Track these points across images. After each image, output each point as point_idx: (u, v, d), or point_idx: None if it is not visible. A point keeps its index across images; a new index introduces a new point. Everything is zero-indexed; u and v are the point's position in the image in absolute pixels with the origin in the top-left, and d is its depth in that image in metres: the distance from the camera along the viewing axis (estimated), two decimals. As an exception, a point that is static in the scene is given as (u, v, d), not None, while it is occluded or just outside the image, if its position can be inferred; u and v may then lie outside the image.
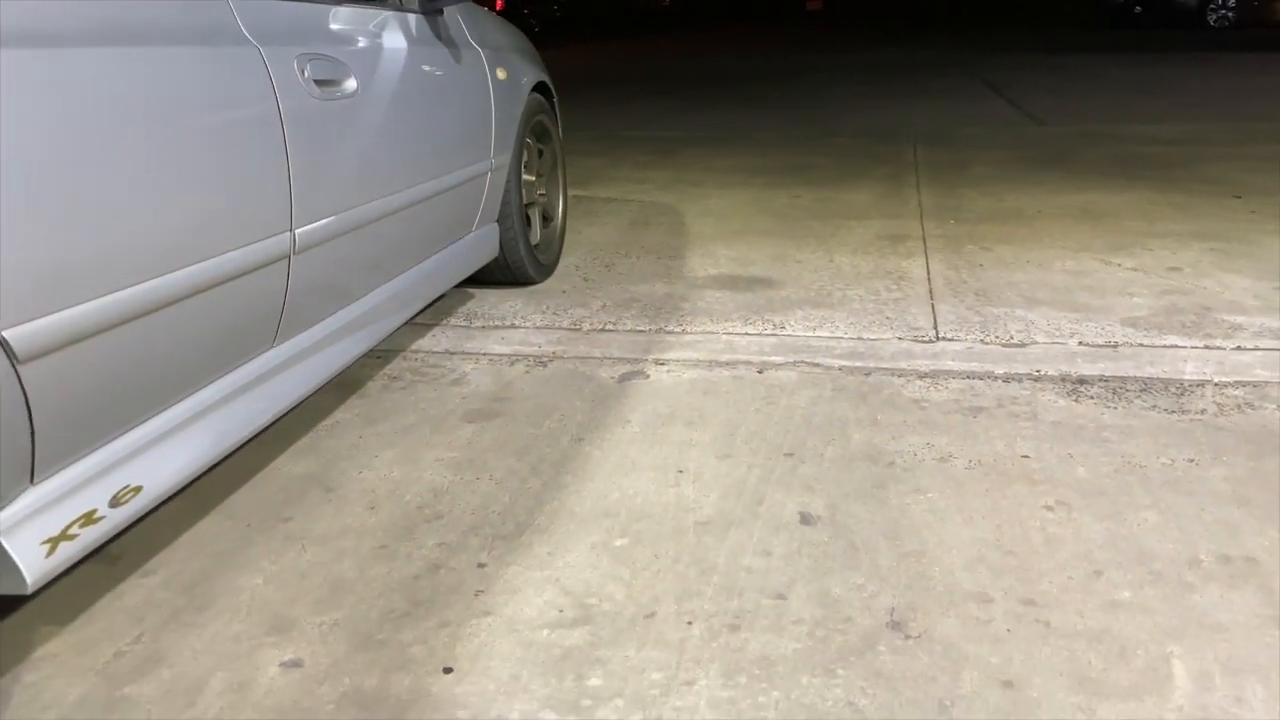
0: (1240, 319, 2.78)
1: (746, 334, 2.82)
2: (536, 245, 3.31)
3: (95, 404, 1.40)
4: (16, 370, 1.23)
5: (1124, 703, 1.33)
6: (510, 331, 2.90)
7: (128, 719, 1.35)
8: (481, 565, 1.71)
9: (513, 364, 2.65)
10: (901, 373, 2.49)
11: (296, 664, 1.46)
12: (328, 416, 2.33)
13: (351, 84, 2.02)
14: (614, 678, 1.41)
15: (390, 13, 2.35)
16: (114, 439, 1.46)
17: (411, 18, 2.44)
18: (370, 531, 1.82)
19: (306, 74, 1.86)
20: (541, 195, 3.40)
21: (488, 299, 3.18)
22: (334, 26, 2.07)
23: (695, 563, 1.69)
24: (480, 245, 2.89)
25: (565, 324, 2.94)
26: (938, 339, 2.71)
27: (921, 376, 2.47)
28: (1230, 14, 16.31)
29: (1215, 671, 1.38)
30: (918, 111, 7.61)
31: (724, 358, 2.64)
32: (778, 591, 1.60)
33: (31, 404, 1.27)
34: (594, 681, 1.41)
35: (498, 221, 3.00)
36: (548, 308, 3.09)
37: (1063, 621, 1.50)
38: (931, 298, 3.06)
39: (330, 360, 1.99)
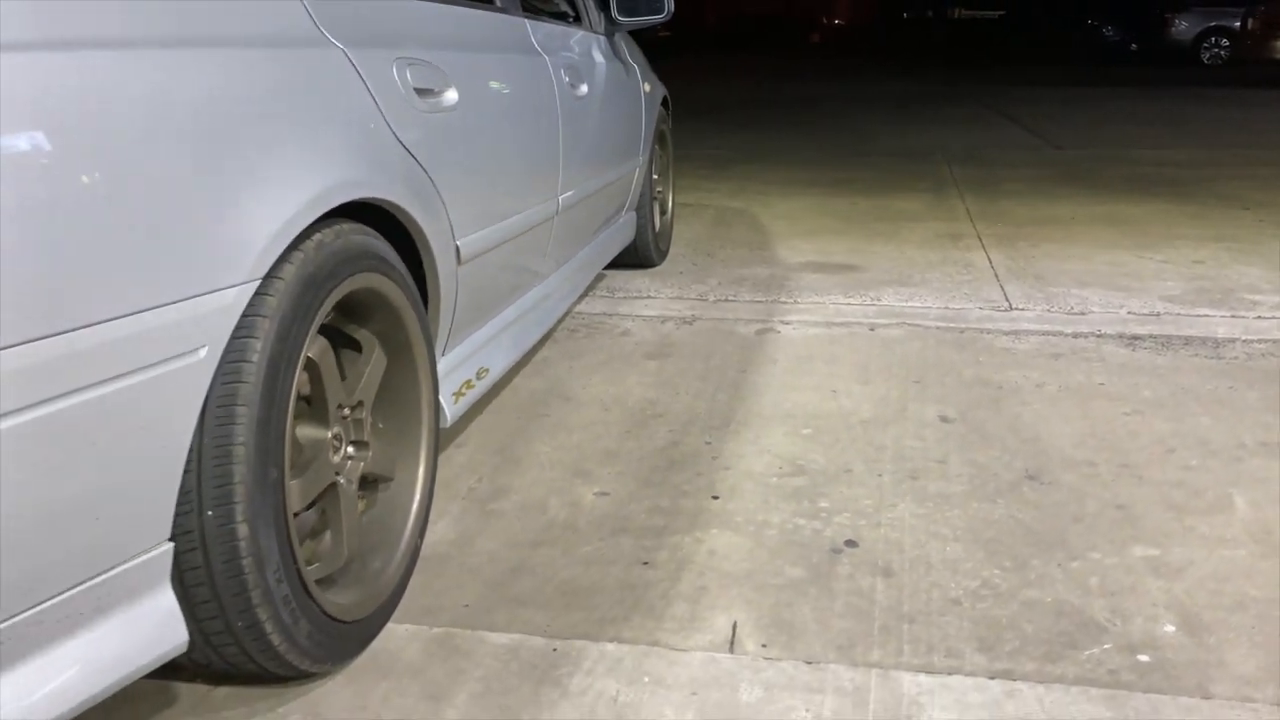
0: (1258, 297, 3.38)
1: (850, 303, 3.41)
2: (658, 233, 3.91)
3: (478, 301, 1.97)
4: (457, 270, 1.81)
5: (1204, 516, 1.91)
6: (649, 300, 3.48)
7: (501, 524, 1.92)
8: (708, 443, 2.28)
9: (663, 323, 3.23)
10: (988, 331, 3.08)
11: (605, 494, 2.03)
12: (536, 354, 2.90)
13: (584, 88, 2.62)
14: (836, 501, 1.98)
15: (591, 34, 2.95)
16: (478, 330, 2.04)
17: (601, 38, 3.04)
18: (613, 422, 2.40)
19: (566, 80, 2.46)
20: (659, 191, 4.01)
21: (619, 278, 3.77)
22: (572, 43, 2.66)
23: (868, 443, 2.27)
24: (626, 228, 3.49)
25: (693, 296, 3.53)
26: (1011, 309, 3.31)
27: (1005, 334, 3.06)
28: (1224, 51, 17.03)
29: (1263, 501, 1.96)
30: (942, 136, 8.27)
31: (837, 320, 3.23)
32: (938, 459, 2.18)
33: (459, 295, 1.84)
34: (823, 504, 1.98)
35: (635, 210, 3.61)
36: (673, 284, 3.68)
37: (1151, 475, 2.08)
38: (998, 280, 3.66)
39: (569, 293, 2.59)
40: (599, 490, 2.05)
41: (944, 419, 2.40)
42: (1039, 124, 9.09)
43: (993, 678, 1.45)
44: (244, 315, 1.18)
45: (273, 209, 1.21)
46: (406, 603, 1.63)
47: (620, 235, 3.42)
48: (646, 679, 1.46)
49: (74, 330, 0.96)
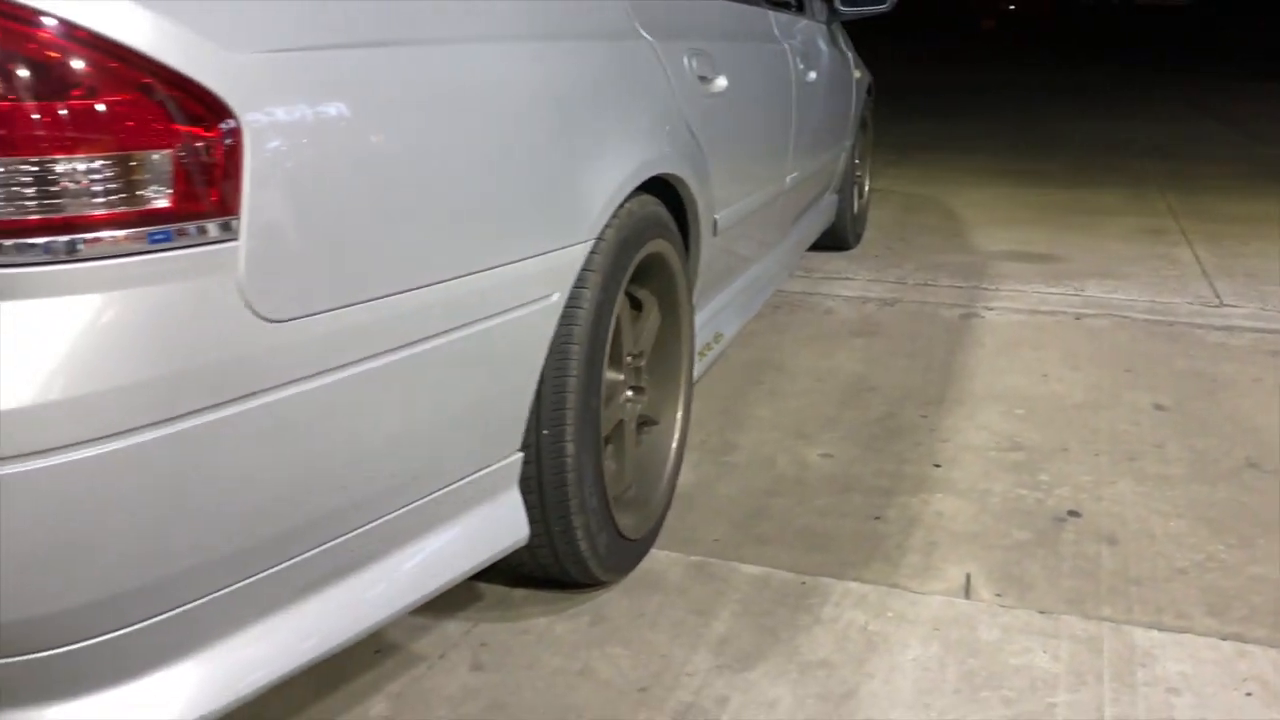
0: None
1: (1053, 293, 3.44)
2: (855, 216, 4.02)
3: (719, 271, 2.16)
4: (712, 240, 1.99)
5: None
6: (847, 282, 3.60)
7: (735, 475, 2.10)
8: (924, 416, 2.40)
9: (864, 303, 3.35)
10: (1199, 326, 3.07)
11: (829, 455, 2.19)
12: (744, 327, 3.07)
13: (812, 75, 2.77)
14: (1056, 476, 2.08)
15: (814, 23, 3.09)
16: (714, 298, 2.23)
17: (823, 26, 3.18)
18: (828, 392, 2.55)
19: (800, 66, 2.61)
20: (858, 175, 4.12)
21: (815, 259, 3.90)
22: (803, 32, 2.82)
23: (1083, 425, 2.34)
24: (829, 209, 3.63)
25: (891, 279, 3.63)
26: (1222, 304, 3.28)
27: (1217, 329, 3.04)
28: None
29: None
30: (1131, 128, 8.00)
31: (1041, 308, 3.28)
32: (1155, 443, 2.24)
33: (709, 264, 2.03)
34: (1043, 477, 2.08)
35: (837, 193, 3.74)
36: (869, 267, 3.78)
37: (1380, 472, 2.09)
38: (1206, 275, 3.62)
39: (783, 268, 2.76)
40: (823, 452, 2.20)
41: (1158, 407, 2.45)
42: (1236, 117, 8.66)
43: (1224, 639, 1.54)
44: (581, 269, 1.39)
45: (606, 180, 1.42)
46: (664, 534, 1.83)
47: (823, 216, 3.55)
48: (890, 614, 1.61)
49: (481, 271, 1.18)
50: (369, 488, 1.10)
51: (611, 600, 1.65)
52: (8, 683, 0.87)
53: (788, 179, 2.58)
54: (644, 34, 1.64)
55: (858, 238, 4.11)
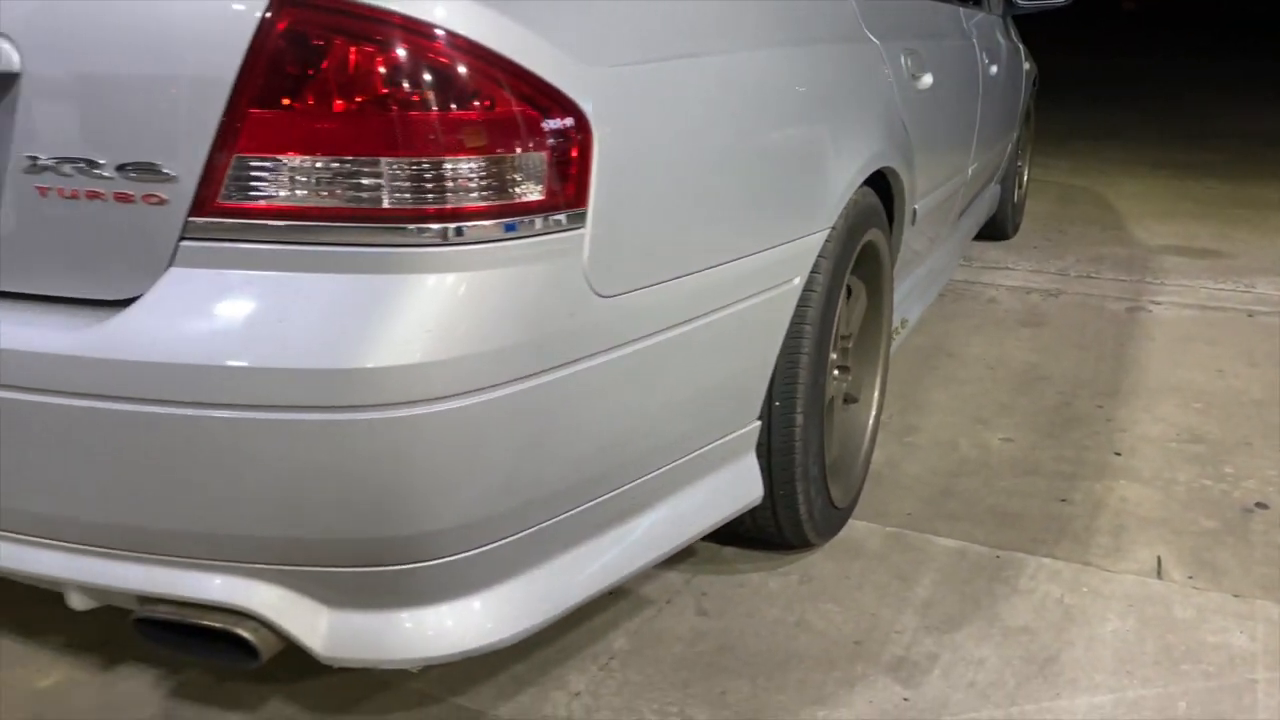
0: None
1: (1221, 289, 3.41)
2: (1015, 206, 4.04)
3: (909, 255, 2.26)
4: (909, 228, 2.10)
5: None
6: (1008, 272, 3.64)
7: (919, 455, 2.21)
8: (1099, 406, 2.46)
9: (1028, 294, 3.39)
10: (1382, 326, 3.02)
11: (1010, 440, 2.27)
12: (911, 312, 3.16)
13: (994, 69, 2.82)
14: (1240, 469, 2.12)
15: (991, 16, 3.14)
16: (900, 285, 2.33)
17: (999, 20, 3.22)
18: (1000, 379, 2.62)
19: (985, 60, 2.67)
20: (1019, 165, 4.13)
21: (974, 248, 3.93)
22: (986, 26, 2.88)
23: (1264, 422, 2.36)
24: (993, 199, 3.67)
25: (1052, 270, 3.65)
26: (1406, 306, 3.20)
27: (1402, 330, 2.99)
28: None
29: None
30: (1300, 119, 7.67)
31: (1210, 304, 3.26)
32: (1342, 442, 2.25)
33: (904, 251, 2.14)
34: (1227, 469, 2.12)
35: (1000, 183, 3.77)
36: (1029, 258, 3.81)
37: None
38: (1388, 276, 3.53)
39: (955, 257, 2.85)
40: (1003, 437, 2.29)
41: (1343, 406, 2.44)
42: None
43: None
44: (817, 256, 1.52)
45: (843, 174, 1.54)
46: (860, 506, 1.95)
47: (987, 206, 3.59)
48: (1085, 589, 1.70)
49: (749, 256, 1.33)
50: (652, 442, 1.26)
51: (816, 562, 1.78)
52: (399, 585, 1.05)
53: (969, 170, 2.66)
54: (870, 36, 1.75)
55: (1016, 228, 4.14)
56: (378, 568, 1.03)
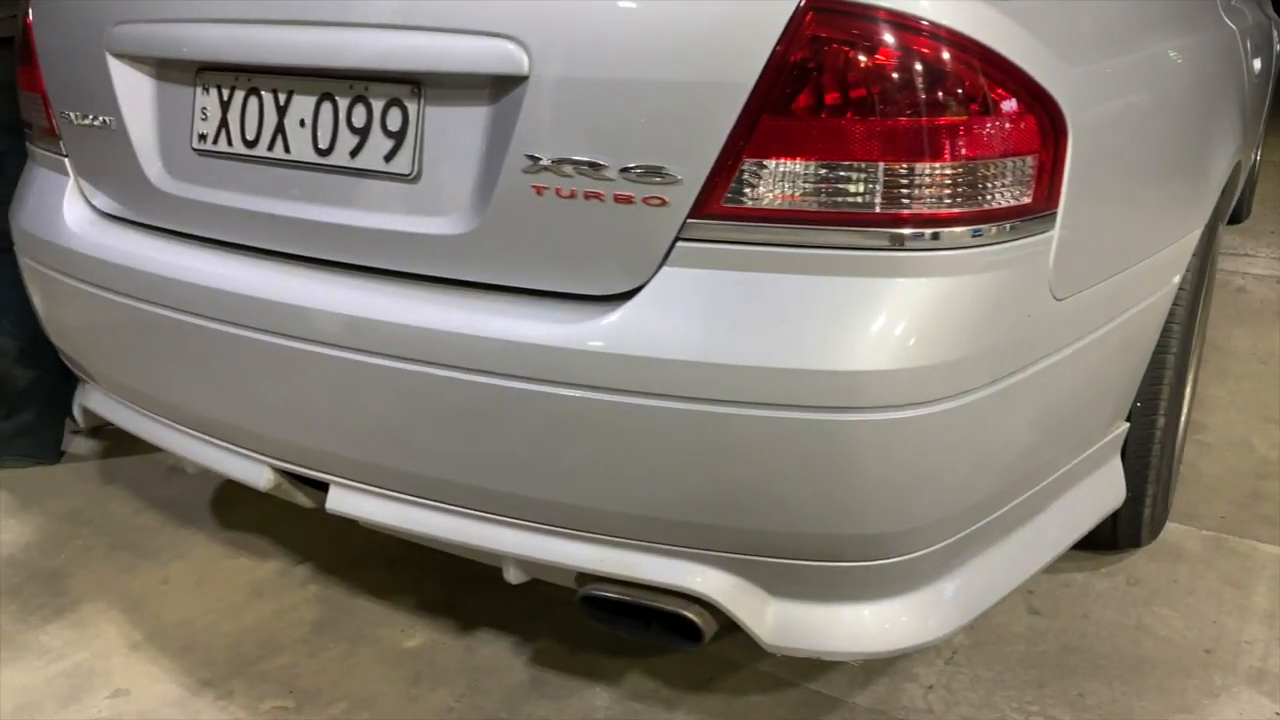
0: None
1: None
2: (1248, 187, 3.84)
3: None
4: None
5: None
6: (1250, 259, 3.47)
7: (1214, 455, 2.13)
8: (1398, 409, 2.33)
9: (1278, 282, 3.22)
10: None
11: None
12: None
13: (1258, 64, 2.67)
14: None
15: (1261, -10, 2.97)
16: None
17: (1262, -5, 3.05)
18: (1276, 374, 2.50)
19: (1249, 50, 2.53)
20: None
21: (1203, 231, 3.76)
22: (1244, 9, 2.72)
23: None
24: (1236, 183, 3.49)
25: (1297, 258, 3.47)
26: None
27: None
28: None
29: None
30: None
31: None
32: None
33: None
34: None
35: (1241, 165, 3.59)
36: (1268, 243, 3.62)
37: None
38: None
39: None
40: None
41: None
42: None
43: None
44: (1191, 254, 1.47)
45: (1219, 166, 1.49)
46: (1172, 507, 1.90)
47: (1229, 191, 3.43)
48: None
49: (1149, 257, 1.29)
50: (1058, 446, 1.25)
51: (1139, 564, 1.74)
52: (858, 579, 1.07)
53: (1252, 156, 2.53)
54: (1227, 21, 1.68)
55: (1248, 210, 3.93)
56: (840, 563, 1.05)
